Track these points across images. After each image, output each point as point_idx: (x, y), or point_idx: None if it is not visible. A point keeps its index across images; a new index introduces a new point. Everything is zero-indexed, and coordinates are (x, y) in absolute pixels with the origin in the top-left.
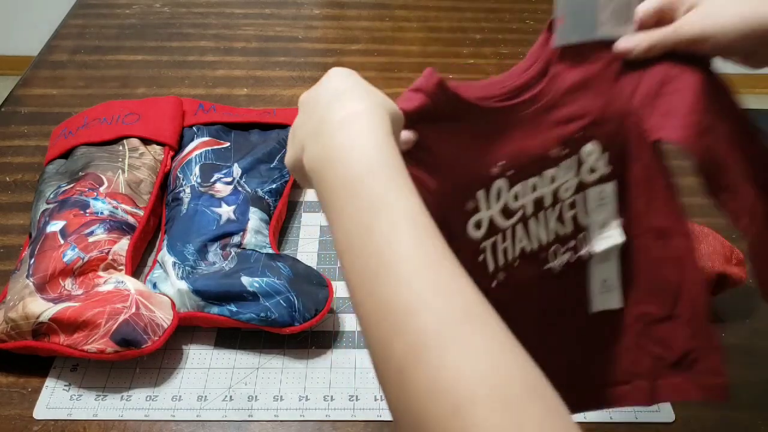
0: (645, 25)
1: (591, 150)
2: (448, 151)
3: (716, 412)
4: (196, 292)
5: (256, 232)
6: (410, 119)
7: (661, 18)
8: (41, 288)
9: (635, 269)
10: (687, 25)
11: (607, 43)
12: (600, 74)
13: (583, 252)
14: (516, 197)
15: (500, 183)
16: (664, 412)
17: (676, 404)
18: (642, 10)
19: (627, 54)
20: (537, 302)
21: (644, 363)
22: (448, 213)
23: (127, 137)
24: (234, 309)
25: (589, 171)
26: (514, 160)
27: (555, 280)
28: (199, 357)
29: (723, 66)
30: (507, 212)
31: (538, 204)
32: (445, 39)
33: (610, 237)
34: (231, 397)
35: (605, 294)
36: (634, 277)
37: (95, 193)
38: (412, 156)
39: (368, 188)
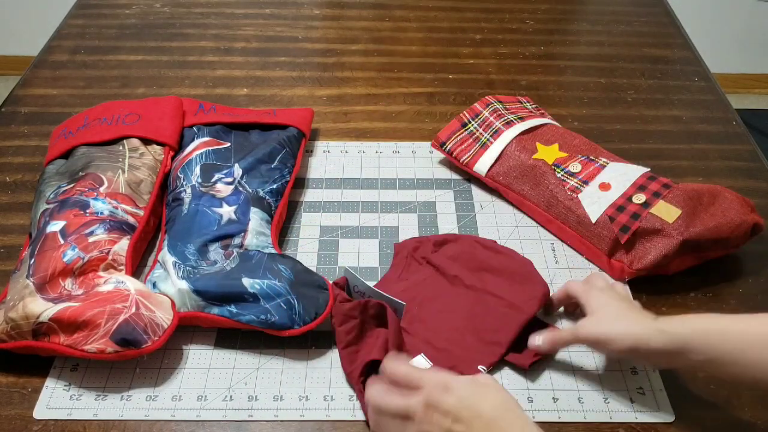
0: (558, 304)
1: None
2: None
3: (716, 412)
4: (197, 292)
5: (257, 233)
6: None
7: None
8: (41, 288)
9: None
10: (583, 330)
11: None
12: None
13: None
14: None
15: None
16: (664, 412)
17: (676, 404)
18: (555, 297)
19: (537, 349)
20: None
21: None
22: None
23: (128, 137)
24: (234, 310)
25: None
26: None
27: None
28: (199, 357)
29: (719, 66)
30: None
31: None
32: (444, 39)
33: None
34: (231, 397)
35: None
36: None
37: (95, 193)
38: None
39: None
